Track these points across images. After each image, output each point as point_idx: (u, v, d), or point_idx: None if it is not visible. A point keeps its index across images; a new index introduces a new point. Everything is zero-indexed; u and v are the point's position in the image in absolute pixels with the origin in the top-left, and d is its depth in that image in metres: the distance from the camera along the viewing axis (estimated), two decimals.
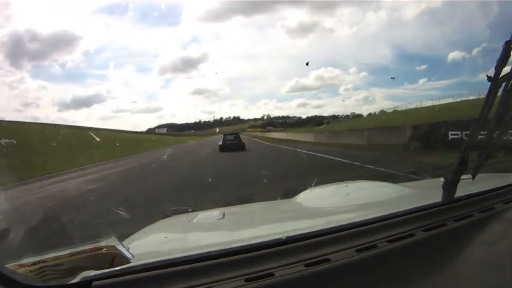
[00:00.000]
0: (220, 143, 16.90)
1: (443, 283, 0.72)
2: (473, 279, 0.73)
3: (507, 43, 0.84)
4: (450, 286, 0.72)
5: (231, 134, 18.26)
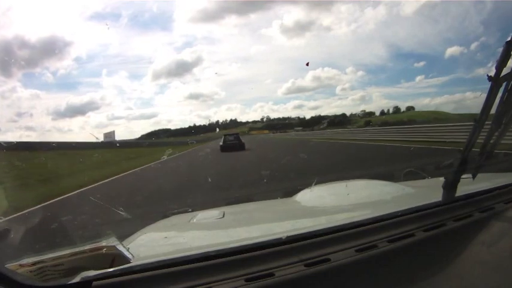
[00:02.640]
0: (221, 143, 17.20)
1: (443, 283, 0.72)
2: (473, 279, 0.73)
3: (507, 43, 0.84)
4: (450, 286, 0.72)
5: (231, 135, 18.64)
